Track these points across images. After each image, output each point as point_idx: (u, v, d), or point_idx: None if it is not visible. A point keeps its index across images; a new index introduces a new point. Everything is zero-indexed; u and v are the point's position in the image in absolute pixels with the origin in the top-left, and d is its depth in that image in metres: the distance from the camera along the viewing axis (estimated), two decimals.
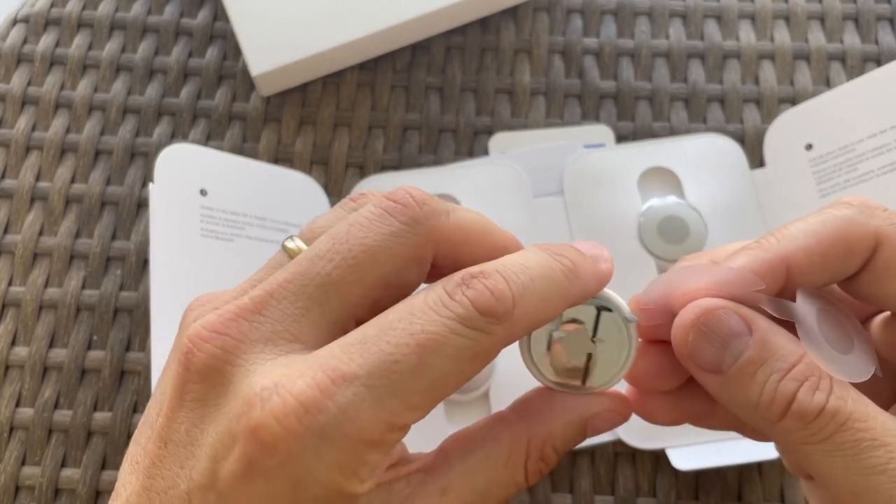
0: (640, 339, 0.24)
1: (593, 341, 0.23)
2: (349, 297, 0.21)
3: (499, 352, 0.21)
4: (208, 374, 0.20)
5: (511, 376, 0.39)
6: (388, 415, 0.19)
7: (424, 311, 0.20)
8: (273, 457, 0.19)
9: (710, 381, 0.22)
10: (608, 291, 0.24)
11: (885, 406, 0.22)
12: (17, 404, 0.39)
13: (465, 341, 0.20)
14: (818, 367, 0.21)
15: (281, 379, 0.19)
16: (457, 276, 0.21)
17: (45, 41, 0.46)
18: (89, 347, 0.40)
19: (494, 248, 0.23)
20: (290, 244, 0.23)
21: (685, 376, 0.24)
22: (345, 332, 0.21)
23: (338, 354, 0.20)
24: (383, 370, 0.19)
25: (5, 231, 0.42)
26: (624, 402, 0.24)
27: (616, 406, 0.24)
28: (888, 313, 0.24)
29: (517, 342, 0.22)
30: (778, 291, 0.23)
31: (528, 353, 0.24)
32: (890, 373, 0.25)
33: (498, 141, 0.44)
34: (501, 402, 0.38)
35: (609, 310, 0.23)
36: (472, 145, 0.44)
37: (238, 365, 0.20)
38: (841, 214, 0.22)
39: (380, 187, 0.42)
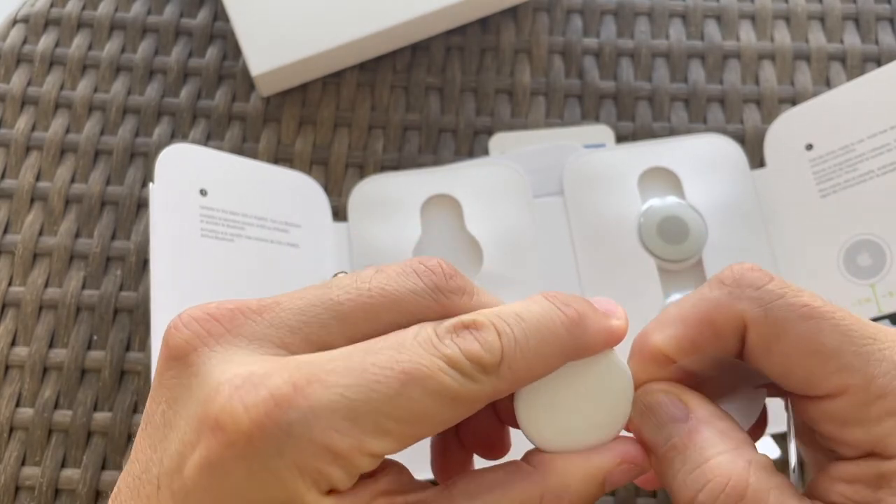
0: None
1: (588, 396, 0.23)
2: (352, 330, 0.21)
3: (482, 405, 0.21)
4: (181, 356, 0.20)
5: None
6: (360, 432, 0.19)
7: (413, 345, 0.20)
8: (234, 447, 0.18)
9: (651, 458, 0.23)
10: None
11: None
12: (17, 404, 0.39)
13: (450, 381, 0.19)
14: (729, 469, 0.21)
15: (256, 370, 0.19)
16: (448, 322, 0.21)
17: (45, 41, 0.46)
18: (89, 347, 0.40)
19: None
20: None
21: None
22: None
23: (319, 362, 0.19)
24: (362, 387, 0.19)
25: (5, 231, 0.42)
26: (641, 451, 0.23)
27: (634, 457, 0.23)
28: None
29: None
30: (671, 367, 0.24)
31: (521, 411, 0.23)
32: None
33: (498, 141, 0.44)
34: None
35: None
36: (472, 145, 0.44)
37: (217, 351, 0.20)
38: (711, 297, 0.23)
39: (380, 187, 0.42)
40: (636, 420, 0.23)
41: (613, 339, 0.23)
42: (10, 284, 0.41)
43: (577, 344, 0.22)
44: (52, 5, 0.47)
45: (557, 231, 0.41)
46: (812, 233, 0.39)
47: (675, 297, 0.39)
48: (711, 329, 0.23)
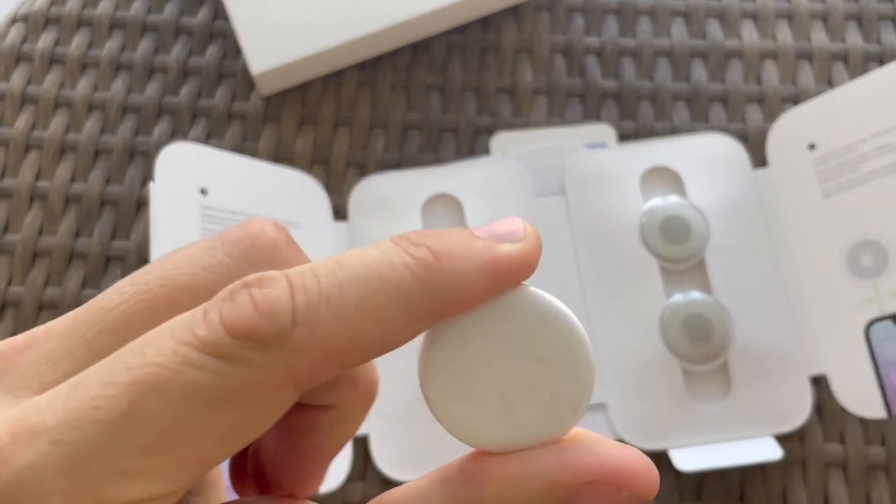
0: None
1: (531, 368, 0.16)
2: (127, 339, 0.15)
3: (285, 393, 0.14)
4: None
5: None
6: (93, 483, 0.13)
7: (160, 339, 0.14)
8: None
9: None
10: (545, 296, 0.16)
11: None
12: None
13: (203, 376, 0.14)
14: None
15: None
16: (224, 290, 0.15)
17: (45, 40, 0.46)
18: None
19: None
20: None
21: None
22: None
23: (40, 401, 0.14)
24: (79, 420, 0.14)
25: (5, 230, 0.42)
26: (641, 459, 0.15)
27: (616, 471, 0.15)
28: None
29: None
30: None
31: (433, 397, 0.16)
32: None
33: (499, 140, 0.44)
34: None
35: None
36: (473, 145, 0.44)
37: None
38: None
39: (381, 187, 0.42)
40: None
41: (505, 272, 0.15)
42: (9, 284, 0.41)
43: (435, 291, 0.15)
44: (51, 4, 0.47)
45: (559, 231, 0.40)
46: (814, 233, 0.39)
47: (678, 297, 0.39)
48: None
